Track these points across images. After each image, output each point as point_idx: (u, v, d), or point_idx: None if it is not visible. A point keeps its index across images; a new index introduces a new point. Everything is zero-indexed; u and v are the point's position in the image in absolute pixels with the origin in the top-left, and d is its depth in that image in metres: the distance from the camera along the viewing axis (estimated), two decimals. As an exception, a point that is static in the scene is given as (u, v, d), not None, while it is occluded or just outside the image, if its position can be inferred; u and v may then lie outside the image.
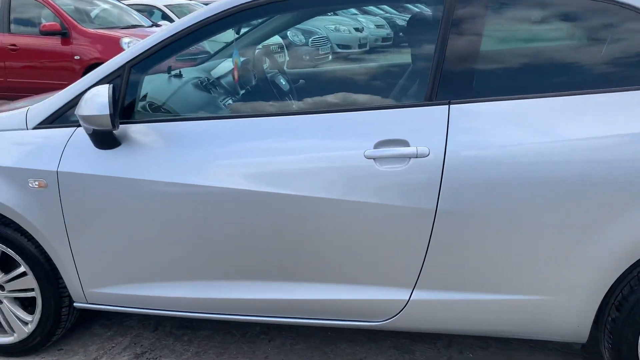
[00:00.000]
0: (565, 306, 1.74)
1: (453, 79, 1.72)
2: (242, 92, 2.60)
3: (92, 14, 7.48)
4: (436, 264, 1.77)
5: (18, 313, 2.22)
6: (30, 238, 2.08)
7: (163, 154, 1.87)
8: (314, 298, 1.90)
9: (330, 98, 2.14)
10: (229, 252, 1.90)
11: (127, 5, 8.70)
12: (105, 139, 1.87)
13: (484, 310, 1.81)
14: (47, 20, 6.95)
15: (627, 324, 1.70)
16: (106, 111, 1.76)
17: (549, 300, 1.74)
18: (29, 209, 2.01)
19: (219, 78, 2.61)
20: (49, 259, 2.10)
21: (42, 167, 1.96)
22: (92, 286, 2.08)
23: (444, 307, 1.82)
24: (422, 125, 1.71)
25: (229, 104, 2.44)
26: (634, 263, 1.65)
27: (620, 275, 1.67)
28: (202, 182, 1.83)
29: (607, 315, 1.74)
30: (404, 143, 1.71)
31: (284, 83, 2.87)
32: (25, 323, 2.22)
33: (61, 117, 2.01)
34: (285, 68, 3.06)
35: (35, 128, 2.03)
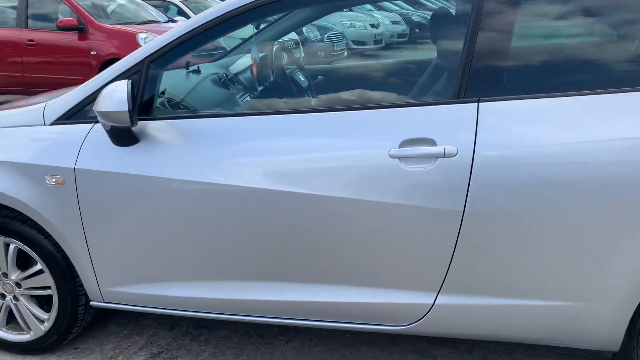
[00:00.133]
0: (597, 313, 1.67)
1: (482, 76, 1.65)
2: (261, 88, 2.55)
3: (109, 10, 7.48)
4: (462, 268, 1.71)
5: (34, 311, 2.20)
6: (47, 235, 2.05)
7: (181, 151, 1.83)
8: (335, 301, 1.85)
9: (351, 95, 2.08)
10: (247, 252, 1.86)
11: (143, 0, 8.69)
12: (123, 136, 1.84)
13: (512, 316, 1.74)
14: (64, 16, 6.97)
15: (663, 333, 1.63)
16: (125, 107, 1.72)
17: (581, 306, 1.68)
18: (46, 206, 1.98)
19: (237, 74, 2.57)
20: (65, 257, 2.07)
21: (60, 164, 1.93)
22: (109, 285, 2.05)
23: (470, 312, 1.76)
24: (449, 124, 1.65)
25: (248, 100, 2.39)
26: (672, 269, 1.58)
27: (657, 282, 1.60)
28: (221, 181, 1.79)
29: (641, 323, 1.67)
30: (431, 142, 1.65)
31: (302, 79, 2.82)
32: (42, 321, 2.20)
33: (79, 113, 1.98)
34: (303, 64, 3.01)
35: (52, 124, 2.00)
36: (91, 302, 2.13)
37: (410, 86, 2.44)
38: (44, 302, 2.25)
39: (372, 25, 8.98)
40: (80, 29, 6.83)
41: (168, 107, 2.01)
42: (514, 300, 1.72)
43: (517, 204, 1.61)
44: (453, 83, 1.70)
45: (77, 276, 2.09)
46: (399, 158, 1.66)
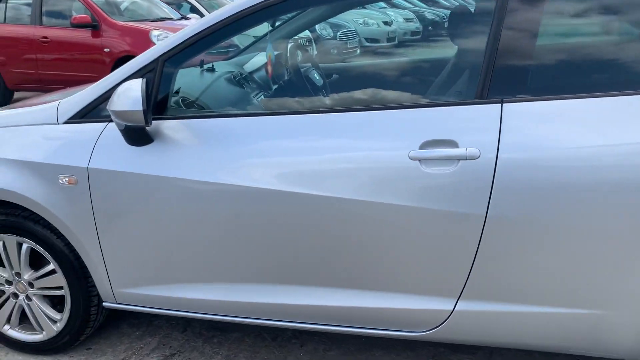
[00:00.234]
0: (623, 322, 1.62)
1: (506, 76, 1.60)
2: (275, 87, 2.51)
3: (122, 7, 7.48)
4: (484, 273, 1.66)
5: (47, 311, 2.18)
6: (59, 235, 2.03)
7: (196, 151, 1.80)
8: (351, 305, 1.81)
9: (367, 94, 2.03)
10: (262, 254, 1.82)
11: (156, -2, 8.69)
12: (137, 136, 1.80)
13: (534, 324, 1.69)
14: (78, 13, 6.98)
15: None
16: (139, 107, 1.68)
17: (606, 314, 1.62)
18: (59, 205, 1.96)
19: (251, 72, 2.53)
20: (78, 257, 2.05)
21: (73, 164, 1.91)
22: (122, 286, 2.02)
23: (491, 319, 1.71)
24: (472, 125, 1.60)
25: (263, 99, 2.35)
26: None
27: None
28: (235, 182, 1.75)
29: (669, 333, 1.62)
30: (453, 144, 1.60)
31: (317, 78, 2.78)
32: (54, 321, 2.18)
33: (92, 112, 1.95)
34: (317, 62, 2.96)
35: (66, 123, 1.98)
36: (104, 303, 2.10)
37: (428, 85, 2.39)
38: (56, 302, 2.23)
39: (385, 23, 8.90)
40: (94, 26, 6.83)
41: (182, 106, 1.97)
42: (536, 308, 1.66)
43: (542, 209, 1.55)
44: (475, 83, 1.65)
45: (90, 277, 2.07)
46: (419, 160, 1.62)
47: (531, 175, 1.55)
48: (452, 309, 1.73)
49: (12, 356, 2.26)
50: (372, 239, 1.70)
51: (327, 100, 2.47)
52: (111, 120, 1.90)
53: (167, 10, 8.09)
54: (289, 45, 2.67)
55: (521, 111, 1.58)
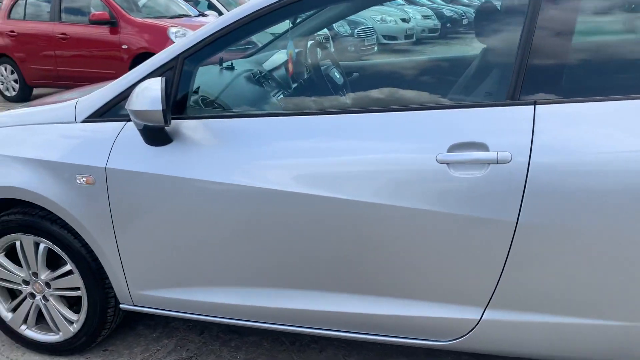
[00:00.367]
0: (661, 335, 1.54)
1: (540, 76, 1.53)
2: (295, 85, 2.46)
3: (140, 3, 7.48)
4: (513, 282, 1.59)
5: (64, 312, 2.16)
6: (76, 235, 2.00)
7: (215, 152, 1.75)
8: (373, 313, 1.75)
9: (390, 95, 1.97)
10: (281, 258, 1.77)
11: (174, -6, 8.68)
12: (156, 136, 1.76)
13: (564, 335, 1.62)
14: (97, 10, 6.99)
15: None
16: (158, 106, 1.64)
17: (643, 327, 1.54)
18: (76, 205, 1.92)
19: (271, 71, 2.48)
20: (95, 258, 2.02)
21: (90, 163, 1.87)
22: (139, 288, 1.99)
23: (519, 329, 1.65)
24: (503, 128, 1.53)
25: (283, 98, 2.30)
26: None
27: None
28: (255, 184, 1.70)
29: None
30: (483, 147, 1.53)
31: (338, 76, 2.72)
32: (71, 322, 2.16)
33: (111, 111, 1.92)
34: (338, 61, 2.90)
35: (84, 121, 1.95)
36: (120, 305, 2.07)
37: (452, 85, 2.31)
38: (73, 303, 2.21)
39: (403, 20, 8.80)
40: (112, 23, 6.84)
41: (201, 105, 1.93)
42: (568, 319, 1.59)
43: (577, 216, 1.48)
44: (506, 83, 1.58)
45: (107, 278, 2.04)
46: (447, 163, 1.55)
47: (565, 180, 1.48)
48: (479, 318, 1.66)
49: (29, 356, 2.25)
50: (395, 244, 1.64)
51: (348, 100, 2.41)
52: (130, 120, 1.86)
53: (185, 7, 8.08)
54: (309, 43, 2.62)
55: (555, 113, 1.51)
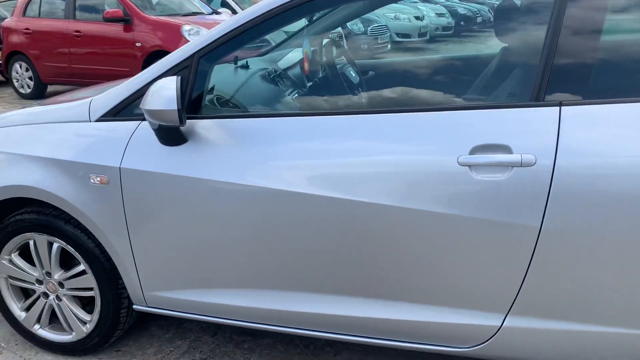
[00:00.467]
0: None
1: (566, 76, 1.48)
2: (310, 84, 2.42)
3: (154, 1, 7.49)
4: (536, 288, 1.54)
5: (77, 312, 2.14)
6: (90, 235, 1.99)
7: (231, 152, 1.72)
8: (392, 318, 1.71)
9: (408, 94, 1.93)
10: (296, 261, 1.74)
11: (187, -8, 8.68)
12: (171, 135, 1.74)
13: (587, 343, 1.57)
14: (111, 7, 7.01)
15: None
16: (174, 106, 1.61)
17: (671, 337, 1.49)
18: (89, 205, 1.91)
19: (286, 69, 2.45)
20: (109, 259, 2.00)
21: (104, 163, 1.85)
22: (153, 289, 1.97)
23: (541, 337, 1.60)
24: (527, 129, 1.48)
25: (299, 97, 2.27)
26: None
27: None
28: (270, 185, 1.67)
29: None
30: (506, 149, 1.48)
31: (354, 75, 2.68)
32: (84, 322, 2.14)
33: (125, 110, 1.89)
34: (354, 59, 2.86)
35: (98, 120, 1.93)
36: (134, 306, 2.05)
37: (470, 85, 2.26)
38: (86, 303, 2.19)
39: (417, 18, 8.73)
40: (126, 21, 6.85)
41: (217, 104, 1.90)
42: (593, 327, 1.54)
43: (603, 221, 1.43)
44: (530, 84, 1.53)
45: (120, 278, 2.02)
46: (469, 166, 1.51)
47: (592, 184, 1.43)
48: (500, 324, 1.62)
49: (42, 356, 2.24)
50: (414, 248, 1.60)
51: (364, 99, 2.37)
52: (144, 119, 1.84)
53: (199, 5, 8.07)
54: (324, 42, 2.58)
55: (581, 115, 1.46)
